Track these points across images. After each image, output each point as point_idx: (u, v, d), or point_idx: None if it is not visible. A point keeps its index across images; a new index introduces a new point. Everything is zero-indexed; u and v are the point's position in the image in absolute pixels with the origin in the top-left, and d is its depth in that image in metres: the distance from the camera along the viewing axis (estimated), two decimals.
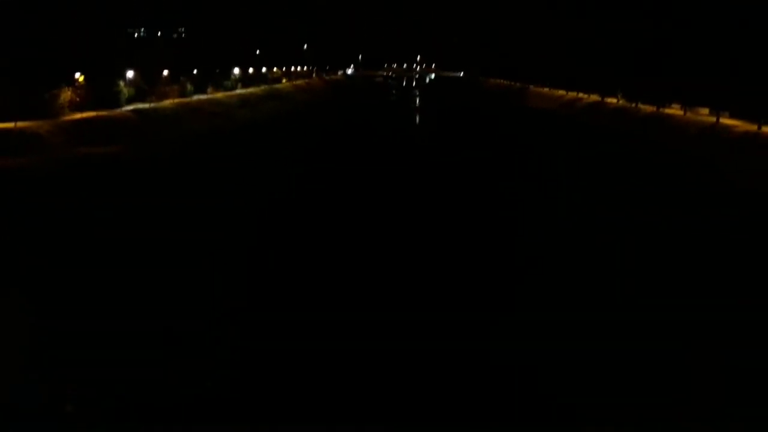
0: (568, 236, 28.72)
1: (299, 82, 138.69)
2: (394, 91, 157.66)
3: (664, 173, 43.86)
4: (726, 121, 51.75)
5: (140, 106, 64.76)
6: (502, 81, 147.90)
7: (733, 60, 50.82)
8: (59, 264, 24.03)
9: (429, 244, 27.45)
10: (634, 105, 71.21)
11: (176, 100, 73.08)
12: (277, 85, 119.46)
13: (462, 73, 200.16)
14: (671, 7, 64.29)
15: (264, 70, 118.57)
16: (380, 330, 18.00)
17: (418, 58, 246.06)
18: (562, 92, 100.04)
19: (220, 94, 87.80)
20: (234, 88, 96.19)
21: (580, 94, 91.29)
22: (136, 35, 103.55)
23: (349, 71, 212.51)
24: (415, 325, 18.47)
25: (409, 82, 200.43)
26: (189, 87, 79.94)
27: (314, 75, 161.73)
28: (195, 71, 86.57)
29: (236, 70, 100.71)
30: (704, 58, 55.02)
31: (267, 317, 19.24)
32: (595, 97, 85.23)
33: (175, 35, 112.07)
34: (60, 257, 24.90)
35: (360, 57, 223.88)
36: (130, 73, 67.40)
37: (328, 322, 18.74)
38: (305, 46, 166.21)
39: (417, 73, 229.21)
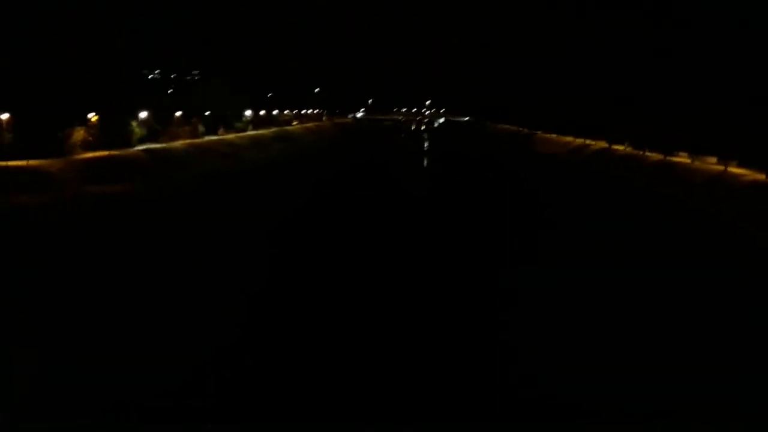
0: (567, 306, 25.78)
1: (309, 124, 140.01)
2: (403, 135, 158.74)
3: (669, 230, 42.97)
4: (734, 169, 51.70)
5: (152, 146, 65.39)
6: (510, 126, 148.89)
7: (743, 106, 50.91)
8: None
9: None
10: (641, 152, 71.38)
11: (188, 141, 73.79)
12: (288, 127, 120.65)
13: (470, 119, 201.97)
14: (690, 56, 64.64)
15: (275, 112, 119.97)
16: None
17: (428, 102, 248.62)
18: (569, 138, 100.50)
19: (231, 136, 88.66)
20: (245, 129, 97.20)
21: (588, 141, 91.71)
22: (150, 77, 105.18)
23: (359, 114, 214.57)
24: None
25: (418, 126, 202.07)
26: (200, 128, 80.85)
27: (324, 118, 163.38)
28: (207, 113, 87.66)
29: (248, 112, 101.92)
30: (714, 103, 55.18)
31: None
32: (602, 144, 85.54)
33: (188, 77, 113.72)
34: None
35: (370, 101, 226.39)
36: (142, 114, 68.26)
37: None
38: (316, 90, 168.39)
39: (426, 117, 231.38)
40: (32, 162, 47.50)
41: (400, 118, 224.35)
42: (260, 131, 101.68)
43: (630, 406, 16.21)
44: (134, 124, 65.34)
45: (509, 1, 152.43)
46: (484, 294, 26.70)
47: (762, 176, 46.98)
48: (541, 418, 15.87)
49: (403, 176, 73.07)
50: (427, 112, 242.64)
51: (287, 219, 43.58)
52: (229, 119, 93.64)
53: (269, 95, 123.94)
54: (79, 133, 55.04)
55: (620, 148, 79.67)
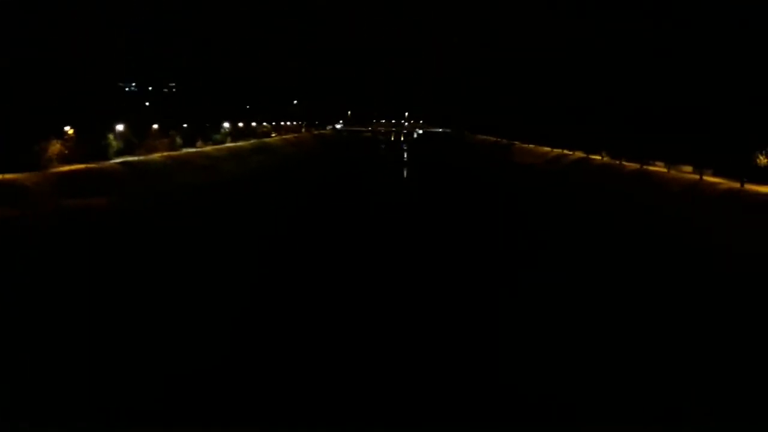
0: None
1: (288, 136, 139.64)
2: (383, 146, 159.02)
3: (646, 235, 43.73)
4: (709, 178, 52.36)
5: (129, 158, 64.78)
6: (488, 137, 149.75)
7: (719, 115, 51.74)
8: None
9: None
10: (618, 162, 72.12)
11: (165, 153, 73.18)
12: (267, 139, 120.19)
13: (449, 129, 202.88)
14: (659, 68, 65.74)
15: (254, 124, 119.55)
16: None
17: (406, 114, 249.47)
18: (547, 149, 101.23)
19: (209, 148, 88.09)
20: (224, 141, 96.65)
21: (565, 151, 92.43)
22: (126, 89, 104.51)
23: (338, 126, 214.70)
24: None
25: (398, 137, 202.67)
26: (178, 140, 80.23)
27: (303, 129, 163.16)
28: (185, 125, 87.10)
29: (226, 124, 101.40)
30: (688, 113, 56.02)
31: None
32: (579, 154, 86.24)
33: (165, 90, 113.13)
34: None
35: (349, 113, 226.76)
36: (119, 127, 67.57)
37: None
38: (294, 102, 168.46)
39: (405, 128, 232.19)
40: (7, 176, 46.77)
41: (379, 129, 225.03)
42: (239, 143, 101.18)
43: None
44: (111, 137, 64.72)
45: (509, 2, 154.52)
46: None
47: (737, 185, 47.61)
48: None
49: (382, 188, 72.77)
50: (406, 123, 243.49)
51: (267, 232, 43.46)
52: (207, 131, 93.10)
53: (247, 107, 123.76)
54: (55, 147, 54.27)
55: (597, 158, 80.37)
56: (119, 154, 64.75)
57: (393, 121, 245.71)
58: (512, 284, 29.80)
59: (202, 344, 21.45)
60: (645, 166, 65.26)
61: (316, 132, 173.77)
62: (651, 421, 14.28)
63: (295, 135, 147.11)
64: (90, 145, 59.74)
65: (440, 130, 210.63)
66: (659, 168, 63.21)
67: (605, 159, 77.81)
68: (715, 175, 53.07)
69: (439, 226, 46.12)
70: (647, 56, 70.38)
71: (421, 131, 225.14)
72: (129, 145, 67.92)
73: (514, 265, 33.84)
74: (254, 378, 18.76)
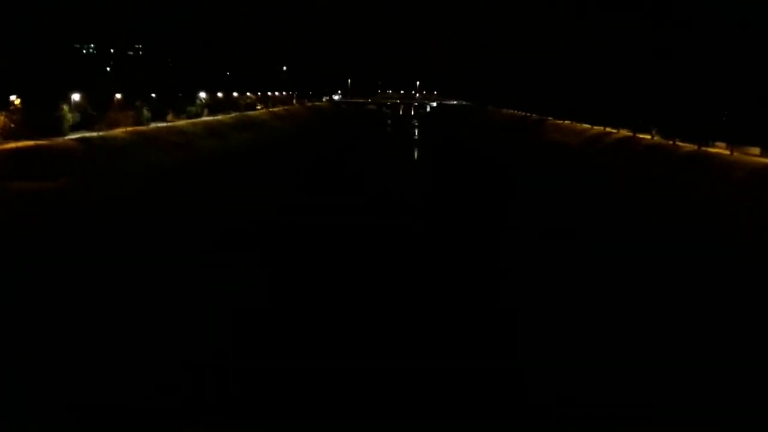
0: None
1: (277, 108, 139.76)
2: (389, 122, 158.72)
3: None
4: None
5: (87, 134, 64.85)
6: (515, 111, 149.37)
7: None
8: None
9: None
10: (671, 142, 71.82)
11: (130, 129, 73.24)
12: (251, 113, 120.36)
13: (469, 102, 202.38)
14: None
15: (236, 94, 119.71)
16: None
17: (417, 83, 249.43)
18: (586, 126, 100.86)
19: (182, 122, 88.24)
20: (200, 114, 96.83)
21: (608, 129, 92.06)
22: (84, 52, 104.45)
23: (336, 97, 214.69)
24: None
25: (407, 111, 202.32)
26: (146, 113, 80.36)
27: (295, 101, 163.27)
28: (153, 95, 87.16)
29: (202, 95, 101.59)
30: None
31: None
32: (625, 132, 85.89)
33: (130, 52, 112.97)
34: None
35: (349, 81, 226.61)
36: (75, 96, 67.61)
37: None
38: (284, 68, 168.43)
39: (416, 100, 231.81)
40: None
41: (385, 101, 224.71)
42: (218, 117, 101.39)
43: None
44: (65, 108, 64.73)
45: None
46: None
47: None
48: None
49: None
50: (417, 95, 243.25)
51: (249, 225, 43.54)
52: (181, 103, 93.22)
53: (228, 74, 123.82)
54: (0, 119, 54.49)
55: (646, 137, 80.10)
56: (75, 128, 64.82)
57: (402, 92, 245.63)
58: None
59: None
60: (703, 147, 65.04)
61: (309, 104, 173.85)
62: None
63: (285, 107, 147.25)
64: (40, 118, 59.83)
65: (458, 102, 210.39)
66: (720, 150, 63.00)
67: (656, 138, 77.58)
68: None
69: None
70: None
71: (435, 104, 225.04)
72: (87, 118, 67.99)
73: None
74: None
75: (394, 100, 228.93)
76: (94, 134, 65.95)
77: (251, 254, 36.05)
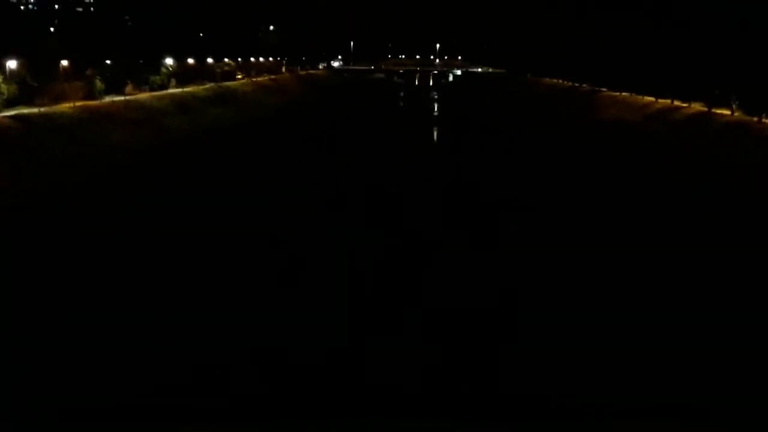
0: None
1: (262, 78, 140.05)
2: (401, 94, 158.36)
3: None
4: None
5: (26, 111, 65.16)
6: (560, 81, 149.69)
7: None
8: None
9: None
10: (757, 119, 71.60)
11: (79, 104, 73.58)
12: (230, 83, 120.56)
13: (504, 70, 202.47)
14: None
15: (210, 61, 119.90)
16: None
17: (438, 47, 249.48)
18: (650, 99, 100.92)
19: (144, 95, 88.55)
20: (166, 86, 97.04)
21: (677, 102, 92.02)
22: (22, 8, 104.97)
23: (336, 64, 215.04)
24: None
25: (425, 82, 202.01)
26: (99, 84, 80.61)
27: (284, 69, 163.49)
28: (108, 62, 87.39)
29: (169, 61, 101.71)
30: None
31: None
32: (697, 107, 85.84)
33: (79, 9, 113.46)
34: None
35: (352, 45, 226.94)
36: (11, 63, 67.92)
37: None
38: (271, 28, 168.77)
39: (436, 68, 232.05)
40: None
41: (397, 68, 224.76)
42: (189, 89, 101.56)
43: None
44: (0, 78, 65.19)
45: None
46: None
47: None
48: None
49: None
50: (437, 61, 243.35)
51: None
52: (142, 71, 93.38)
53: (201, 35, 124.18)
54: None
55: (725, 112, 79.87)
56: (11, 104, 65.13)
57: (418, 57, 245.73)
58: None
59: None
60: None
61: (303, 73, 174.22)
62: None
63: (273, 77, 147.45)
64: None
65: (490, 70, 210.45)
66: None
67: (736, 114, 77.34)
68: None
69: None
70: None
71: (459, 72, 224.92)
72: (26, 90, 68.30)
73: None
74: None
75: (408, 67, 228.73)
76: (35, 110, 66.18)
77: None
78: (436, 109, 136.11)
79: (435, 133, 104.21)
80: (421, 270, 37.92)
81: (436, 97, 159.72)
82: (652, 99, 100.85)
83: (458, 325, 30.28)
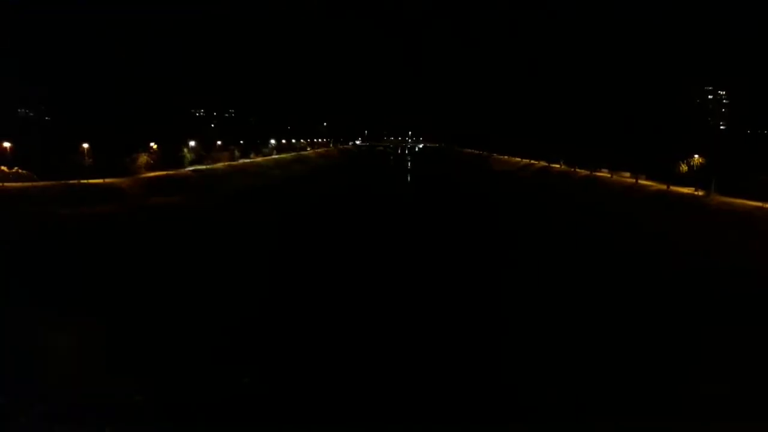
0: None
1: (320, 150, 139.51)
2: (391, 157, 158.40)
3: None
4: (643, 182, 52.02)
5: (199, 167, 65.21)
6: (473, 150, 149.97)
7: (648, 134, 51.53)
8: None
9: None
10: (573, 169, 71.75)
11: (226, 163, 73.59)
12: (303, 152, 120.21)
13: (442, 144, 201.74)
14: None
15: (293, 141, 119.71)
16: None
17: (409, 132, 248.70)
18: (518, 159, 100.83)
19: (260, 159, 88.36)
20: (270, 154, 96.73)
21: (532, 161, 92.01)
22: (197, 114, 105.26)
23: (358, 142, 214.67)
24: None
25: (403, 151, 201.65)
26: (236, 153, 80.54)
27: (331, 145, 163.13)
28: (241, 141, 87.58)
29: (272, 141, 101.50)
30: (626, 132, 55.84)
31: None
32: (543, 163, 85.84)
33: (226, 114, 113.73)
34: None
35: (366, 132, 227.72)
36: (192, 142, 68.07)
37: None
38: (324, 124, 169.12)
39: (408, 144, 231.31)
40: (107, 180, 47.34)
41: (390, 144, 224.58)
42: (282, 155, 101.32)
43: None
44: (185, 150, 65.25)
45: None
46: None
47: (664, 186, 47.34)
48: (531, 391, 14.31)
49: (391, 188, 72.59)
50: (409, 141, 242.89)
51: (305, 212, 47.62)
52: (258, 146, 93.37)
53: (288, 128, 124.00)
54: (143, 158, 54.87)
55: (557, 166, 79.97)
56: (191, 163, 65.21)
57: (399, 138, 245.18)
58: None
59: None
60: (594, 172, 64.92)
61: (341, 147, 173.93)
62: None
63: (325, 149, 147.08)
64: (169, 156, 60.33)
65: (436, 145, 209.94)
66: (605, 174, 62.86)
67: (563, 167, 77.41)
68: (648, 179, 52.71)
69: (431, 212, 49.81)
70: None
71: (421, 145, 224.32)
72: (199, 156, 68.42)
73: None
74: None
75: (394, 143, 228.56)
76: (204, 167, 66.25)
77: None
78: (409, 159, 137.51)
79: (409, 164, 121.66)
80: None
81: (408, 156, 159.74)
82: (519, 159, 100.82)
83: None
